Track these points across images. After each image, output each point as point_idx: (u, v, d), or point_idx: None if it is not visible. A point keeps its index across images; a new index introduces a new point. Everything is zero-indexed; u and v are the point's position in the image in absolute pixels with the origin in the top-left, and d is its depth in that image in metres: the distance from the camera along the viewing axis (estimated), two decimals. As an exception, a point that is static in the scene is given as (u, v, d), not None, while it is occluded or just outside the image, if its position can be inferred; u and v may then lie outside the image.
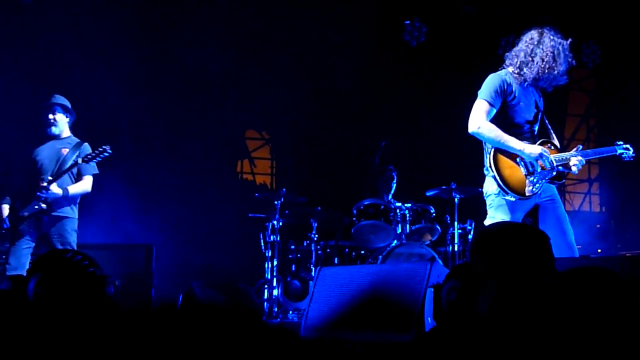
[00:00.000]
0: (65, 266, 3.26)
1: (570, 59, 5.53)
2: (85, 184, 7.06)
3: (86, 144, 7.14)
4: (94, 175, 7.16)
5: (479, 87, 5.54)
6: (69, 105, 7.15)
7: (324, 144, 10.90)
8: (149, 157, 9.81)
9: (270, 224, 8.56)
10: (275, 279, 8.38)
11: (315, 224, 8.73)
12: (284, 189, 8.55)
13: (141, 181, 9.62)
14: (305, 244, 8.86)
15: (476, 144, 5.65)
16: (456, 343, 2.90)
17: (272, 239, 8.50)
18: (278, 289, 8.38)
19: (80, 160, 6.86)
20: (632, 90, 11.94)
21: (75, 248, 6.74)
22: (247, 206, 9.37)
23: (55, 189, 6.74)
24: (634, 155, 5.79)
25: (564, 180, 5.59)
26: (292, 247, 8.92)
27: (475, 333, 2.92)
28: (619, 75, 12.22)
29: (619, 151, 5.77)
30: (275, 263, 8.46)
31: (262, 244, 8.59)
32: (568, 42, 5.52)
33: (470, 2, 10.70)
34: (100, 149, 6.84)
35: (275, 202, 8.51)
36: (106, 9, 9.31)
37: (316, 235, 8.70)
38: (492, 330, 2.90)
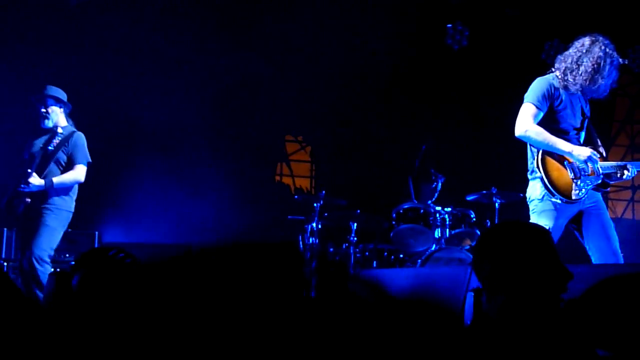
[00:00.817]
0: (108, 263, 3.29)
1: (615, 73, 5.42)
2: (75, 173, 6.79)
3: (79, 133, 6.95)
4: (88, 164, 6.91)
5: (522, 91, 5.48)
6: (63, 97, 6.97)
7: (364, 147, 10.89)
8: (190, 159, 9.86)
9: (310, 226, 8.55)
10: (314, 281, 8.36)
11: (355, 227, 8.71)
12: (324, 192, 8.54)
13: (182, 182, 9.66)
14: (344, 246, 8.84)
15: (518, 149, 5.60)
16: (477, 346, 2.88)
17: (310, 242, 8.49)
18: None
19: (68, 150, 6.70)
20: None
21: (58, 241, 6.64)
22: (286, 208, 9.38)
23: (35, 180, 6.54)
24: None
25: (608, 189, 5.50)
26: (331, 250, 8.90)
27: (490, 337, 2.89)
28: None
29: None
30: (314, 265, 8.45)
31: (302, 246, 8.58)
32: (618, 59, 5.41)
33: (513, 4, 10.61)
34: None
35: (315, 205, 8.51)
36: (146, 12, 9.37)
37: (355, 238, 8.68)
38: (505, 334, 2.87)
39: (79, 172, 6.82)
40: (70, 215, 6.81)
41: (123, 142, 9.42)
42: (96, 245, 7.57)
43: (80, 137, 6.92)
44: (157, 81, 9.28)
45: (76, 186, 6.90)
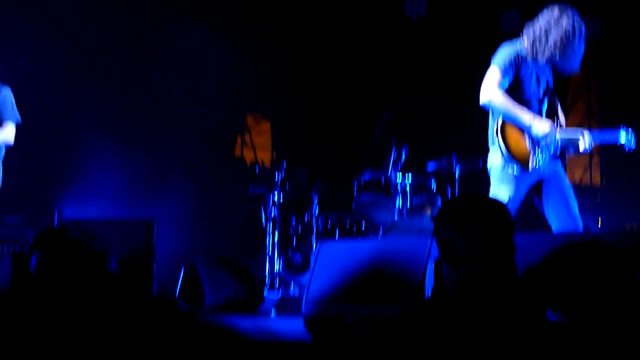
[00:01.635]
0: (66, 243, 3.26)
1: (582, 46, 5.42)
2: (5, 133, 6.18)
3: (6, 86, 6.30)
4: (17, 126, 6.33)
5: (481, 60, 5.47)
6: None
7: (324, 117, 10.87)
8: (150, 133, 9.77)
9: (271, 197, 8.56)
10: (276, 253, 8.39)
11: (316, 198, 8.73)
12: (285, 162, 8.54)
13: (143, 156, 9.59)
14: (306, 217, 8.85)
15: (478, 116, 5.62)
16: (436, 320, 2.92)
17: (273, 213, 8.50)
18: (279, 263, 8.40)
19: None
20: (632, 64, 11.90)
21: None
22: (248, 181, 9.36)
23: None
24: (634, 147, 5.59)
25: (566, 156, 5.55)
26: (293, 221, 8.92)
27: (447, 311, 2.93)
28: (619, 49, 12.17)
29: (622, 141, 5.54)
30: (276, 237, 8.47)
31: (263, 219, 8.58)
32: (585, 29, 5.42)
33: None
34: None
35: (276, 176, 8.50)
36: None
37: (317, 209, 8.70)
38: (462, 306, 2.91)
39: (8, 132, 6.25)
40: None
41: (83, 114, 9.31)
42: (56, 223, 7.49)
43: (9, 92, 6.34)
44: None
45: (3, 147, 6.27)
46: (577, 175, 14.40)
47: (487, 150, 5.52)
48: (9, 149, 6.43)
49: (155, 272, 7.54)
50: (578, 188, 14.16)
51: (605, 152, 13.54)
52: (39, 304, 2.92)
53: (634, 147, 5.63)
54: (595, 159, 14.36)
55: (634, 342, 3.14)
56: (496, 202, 3.17)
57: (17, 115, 6.37)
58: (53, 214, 7.88)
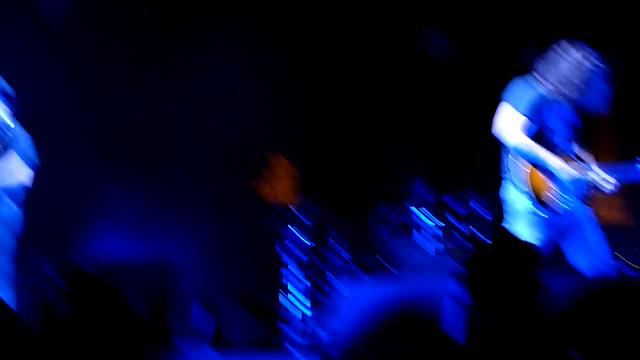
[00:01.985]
0: (101, 289, 3.26)
1: (604, 85, 5.39)
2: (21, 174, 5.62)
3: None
4: None
5: (492, 93, 5.42)
6: None
7: (341, 153, 10.84)
8: (166, 167, 9.76)
9: (290, 233, 8.54)
10: (296, 290, 8.36)
11: (334, 233, 8.72)
12: (302, 197, 8.53)
13: (161, 191, 9.57)
14: (325, 253, 8.82)
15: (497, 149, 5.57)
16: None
17: (291, 249, 8.49)
18: (298, 300, 8.36)
19: None
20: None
21: None
22: (265, 215, 9.34)
23: None
24: None
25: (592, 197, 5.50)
26: (313, 256, 8.87)
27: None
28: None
29: None
30: (295, 273, 8.44)
31: (282, 254, 8.56)
32: (606, 70, 5.39)
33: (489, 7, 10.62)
34: None
35: (296, 212, 8.49)
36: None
37: (334, 244, 8.68)
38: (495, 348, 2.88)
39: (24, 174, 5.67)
40: None
41: (99, 149, 9.32)
42: (82, 264, 7.47)
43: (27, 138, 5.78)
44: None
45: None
46: (606, 214, 14.22)
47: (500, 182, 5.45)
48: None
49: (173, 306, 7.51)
50: (608, 228, 13.98)
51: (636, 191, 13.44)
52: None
53: None
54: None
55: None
56: (520, 242, 3.15)
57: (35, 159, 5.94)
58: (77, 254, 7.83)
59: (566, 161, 5.31)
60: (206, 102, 9.90)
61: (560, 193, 5.18)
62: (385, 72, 10.71)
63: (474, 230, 8.47)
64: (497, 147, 5.50)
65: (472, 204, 8.50)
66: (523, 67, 5.66)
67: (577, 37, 5.53)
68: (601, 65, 5.35)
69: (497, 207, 5.71)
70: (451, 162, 10.86)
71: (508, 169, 5.38)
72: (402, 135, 10.14)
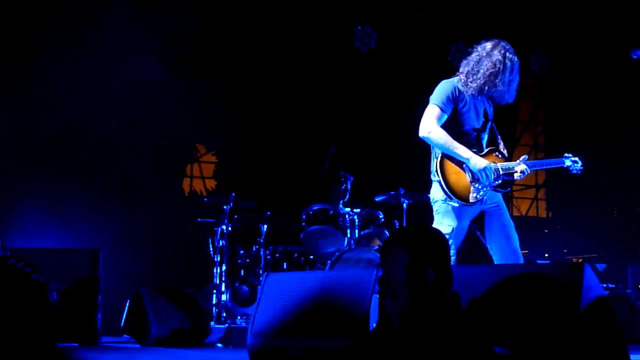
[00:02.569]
0: (7, 273, 3.21)
1: (517, 77, 5.55)
2: None
3: None
4: None
5: (429, 94, 5.55)
6: None
7: (273, 148, 10.88)
8: (96, 163, 9.65)
9: (219, 228, 8.52)
10: (223, 284, 8.35)
11: (265, 229, 8.74)
12: (233, 194, 8.51)
13: (90, 185, 9.47)
14: (254, 249, 8.84)
15: (425, 149, 5.67)
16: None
17: (220, 244, 8.46)
18: (227, 294, 8.36)
19: None
20: (577, 98, 12.16)
21: None
22: (197, 211, 9.31)
23: None
24: (582, 168, 5.77)
25: (509, 189, 5.63)
26: (241, 252, 8.89)
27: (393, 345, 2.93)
28: (564, 83, 12.42)
29: (567, 163, 5.77)
30: (223, 268, 8.43)
31: (211, 249, 8.54)
32: (518, 62, 5.55)
33: (421, 8, 10.75)
34: None
35: (225, 207, 8.47)
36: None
37: (265, 240, 8.71)
38: (406, 338, 2.91)
39: None
40: None
41: (25, 145, 9.20)
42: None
43: None
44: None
45: None
46: (524, 207, 14.63)
47: (431, 182, 5.58)
48: None
49: (100, 302, 7.43)
50: (525, 220, 14.42)
51: (551, 185, 13.78)
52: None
53: (580, 170, 5.78)
54: (542, 192, 14.61)
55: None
56: (429, 229, 3.17)
57: None
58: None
59: (479, 152, 5.45)
60: (138, 96, 9.83)
61: (472, 182, 5.30)
62: (321, 70, 10.79)
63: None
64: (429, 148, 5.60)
65: (405, 202, 8.57)
66: (453, 69, 5.78)
67: (501, 36, 5.66)
68: (516, 60, 5.51)
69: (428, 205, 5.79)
70: (384, 163, 11.00)
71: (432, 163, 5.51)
72: (335, 136, 10.21)
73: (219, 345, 7.27)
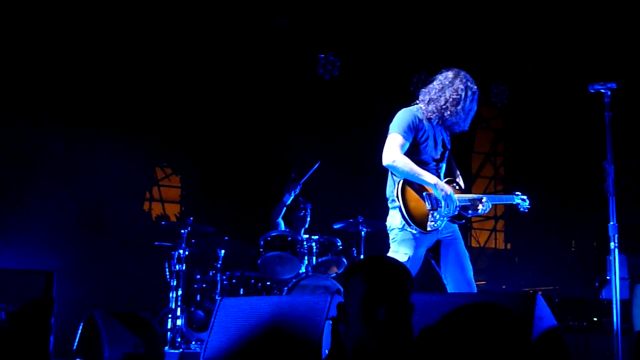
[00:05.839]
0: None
1: (475, 106, 5.63)
2: None
3: None
4: None
5: (389, 122, 5.57)
6: None
7: (231, 175, 10.84)
8: (52, 183, 9.54)
9: (176, 252, 8.43)
10: (179, 309, 8.25)
11: (222, 254, 8.69)
12: (191, 218, 8.45)
13: (45, 207, 9.35)
14: (211, 274, 8.78)
15: (384, 178, 5.68)
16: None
17: (177, 268, 8.37)
18: (182, 319, 8.26)
19: None
20: (537, 130, 12.30)
21: None
22: (154, 235, 9.22)
23: None
24: (529, 207, 5.96)
25: (464, 221, 5.66)
26: (198, 276, 8.82)
27: None
28: (525, 116, 12.57)
29: (517, 201, 5.95)
30: (180, 292, 8.33)
31: (168, 273, 8.45)
32: (477, 92, 5.62)
33: (384, 39, 10.82)
34: None
35: (182, 231, 8.39)
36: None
37: (222, 265, 8.65)
38: None
39: None
40: None
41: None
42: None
43: None
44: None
45: None
46: (483, 239, 14.72)
47: (388, 210, 5.58)
48: None
49: (53, 325, 7.31)
50: (483, 251, 14.51)
51: (510, 217, 13.88)
52: None
53: (527, 208, 5.96)
54: (501, 224, 14.71)
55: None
56: (391, 263, 3.18)
57: None
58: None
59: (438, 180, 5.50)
60: (99, 117, 9.76)
61: (431, 211, 5.32)
62: (282, 96, 10.80)
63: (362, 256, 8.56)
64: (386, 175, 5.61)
65: (363, 230, 8.58)
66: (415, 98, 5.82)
67: (464, 68, 5.73)
68: (476, 89, 5.59)
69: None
70: (343, 191, 11.02)
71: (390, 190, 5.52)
72: (295, 162, 10.21)
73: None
